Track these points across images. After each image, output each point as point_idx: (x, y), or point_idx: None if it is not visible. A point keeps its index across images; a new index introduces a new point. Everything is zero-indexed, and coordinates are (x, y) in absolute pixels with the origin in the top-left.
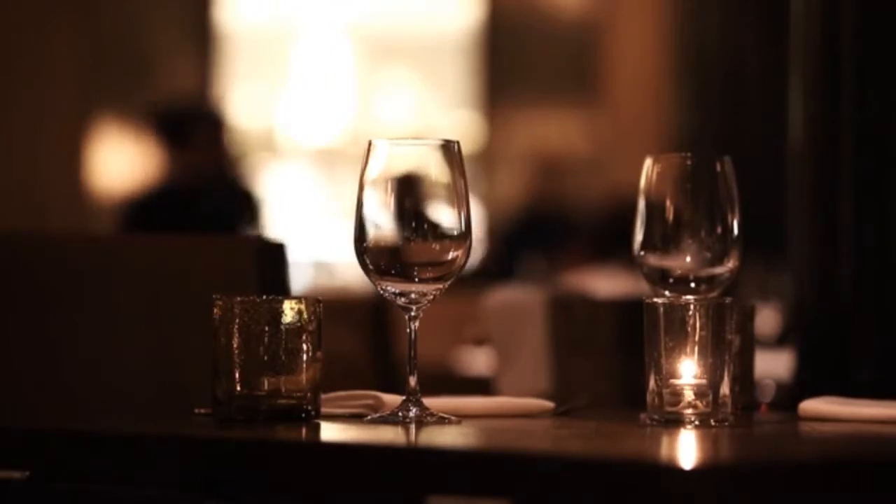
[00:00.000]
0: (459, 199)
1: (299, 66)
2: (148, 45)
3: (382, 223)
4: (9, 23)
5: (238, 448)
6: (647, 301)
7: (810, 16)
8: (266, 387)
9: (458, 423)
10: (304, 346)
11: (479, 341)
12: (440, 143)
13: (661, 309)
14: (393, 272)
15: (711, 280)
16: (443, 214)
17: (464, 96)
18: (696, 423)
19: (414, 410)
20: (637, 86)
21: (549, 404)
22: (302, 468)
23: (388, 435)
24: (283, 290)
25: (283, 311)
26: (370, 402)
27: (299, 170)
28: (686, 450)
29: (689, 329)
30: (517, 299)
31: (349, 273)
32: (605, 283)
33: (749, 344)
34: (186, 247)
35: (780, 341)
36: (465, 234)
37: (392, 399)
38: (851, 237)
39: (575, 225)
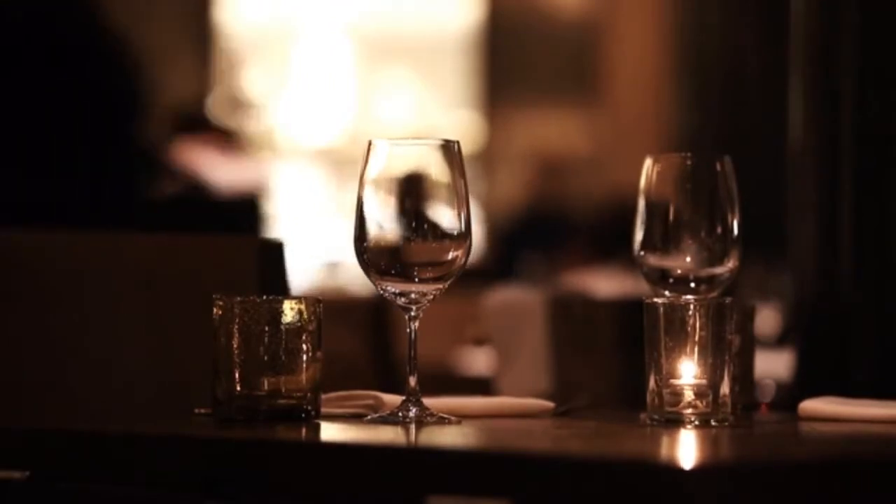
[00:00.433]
0: (459, 199)
1: (299, 66)
2: (148, 45)
3: (382, 223)
4: None
5: (238, 448)
6: (647, 301)
7: (810, 16)
8: (266, 387)
9: (458, 423)
10: (304, 346)
11: (479, 341)
12: (440, 143)
13: (661, 309)
14: (393, 272)
15: (711, 280)
16: (443, 214)
17: (464, 96)
18: (696, 423)
19: (414, 410)
20: (637, 86)
21: (549, 404)
22: (302, 468)
23: (388, 435)
24: (283, 289)
25: (283, 311)
26: (370, 402)
27: (299, 170)
28: (686, 450)
29: (689, 329)
30: (517, 299)
31: (349, 273)
32: (605, 283)
33: (749, 344)
34: (186, 247)
35: (780, 341)
36: (465, 234)
37: (392, 399)
38: (851, 237)
39: (575, 225)
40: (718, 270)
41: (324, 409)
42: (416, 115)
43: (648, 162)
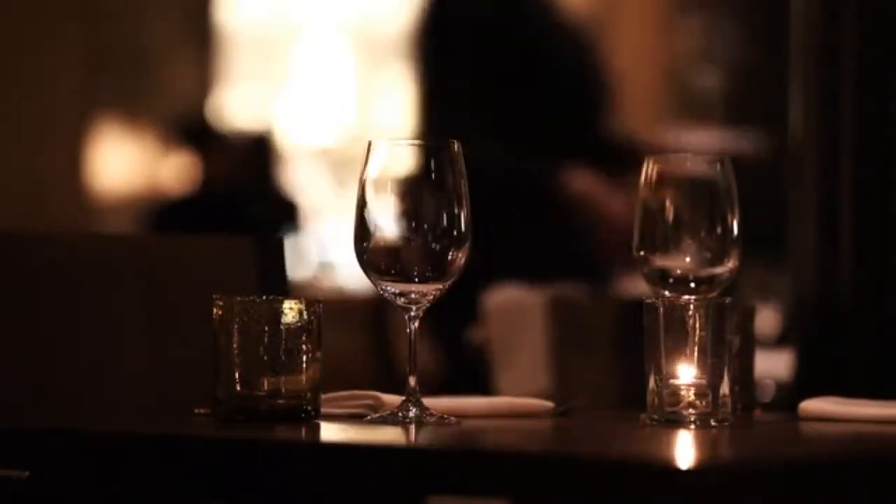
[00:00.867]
0: (459, 200)
1: (299, 66)
2: (148, 45)
3: (382, 223)
4: (9, 23)
5: (238, 448)
6: (647, 301)
7: (810, 15)
8: (266, 387)
9: (458, 423)
10: (304, 346)
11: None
12: (440, 143)
13: (661, 309)
14: (393, 272)
15: (711, 280)
16: (443, 214)
17: None
18: (696, 423)
19: (414, 410)
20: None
21: (549, 404)
22: (302, 468)
23: (388, 435)
24: (282, 289)
25: (283, 311)
26: (370, 402)
27: (299, 170)
28: (686, 450)
29: (689, 329)
30: (517, 299)
31: (349, 273)
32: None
33: (749, 344)
34: (186, 247)
35: (780, 341)
36: (465, 234)
37: (392, 399)
38: (851, 237)
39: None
40: (718, 270)
41: (324, 409)
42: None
43: (648, 162)
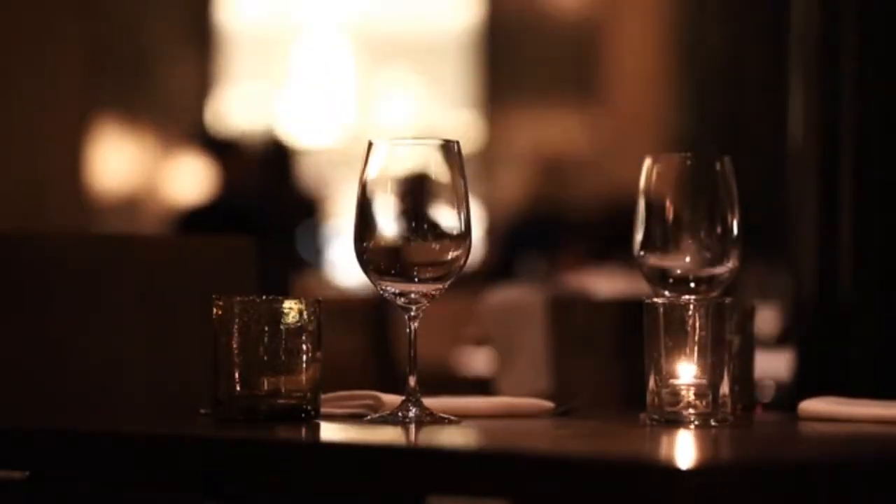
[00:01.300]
0: (459, 199)
1: (299, 66)
2: (148, 45)
3: (382, 223)
4: (9, 23)
5: (238, 448)
6: (647, 301)
7: (810, 15)
8: (266, 387)
9: (458, 423)
10: (304, 346)
11: (479, 341)
12: (440, 143)
13: (661, 309)
14: (393, 272)
15: (711, 280)
16: (443, 214)
17: (464, 96)
18: (696, 423)
19: (414, 410)
20: (637, 86)
21: (549, 404)
22: (302, 468)
23: (388, 435)
24: (282, 289)
25: (283, 311)
26: (370, 402)
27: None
28: (686, 450)
29: (689, 329)
30: (517, 299)
31: (349, 273)
32: (605, 283)
33: (749, 344)
34: (186, 247)
35: (780, 341)
36: (465, 234)
37: (392, 399)
38: (851, 237)
39: (575, 225)
40: (718, 270)
41: (324, 409)
42: (416, 115)
43: (648, 162)
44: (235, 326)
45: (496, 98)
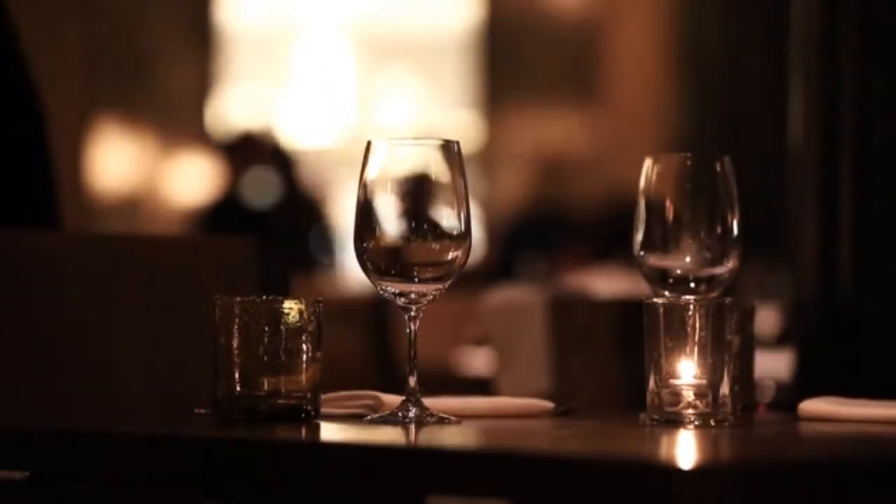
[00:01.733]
0: (459, 199)
1: (299, 66)
2: (148, 45)
3: (382, 223)
4: None
5: (238, 448)
6: (647, 301)
7: (810, 15)
8: (266, 387)
9: (458, 423)
10: (304, 346)
11: (479, 341)
12: (440, 143)
13: (661, 309)
14: (393, 272)
15: (711, 280)
16: (443, 214)
17: (464, 96)
18: (696, 423)
19: (414, 410)
20: (637, 86)
21: (549, 404)
22: (302, 468)
23: (388, 435)
24: (283, 290)
25: (283, 311)
26: (370, 402)
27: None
28: (686, 450)
29: (689, 329)
30: (517, 299)
31: (349, 273)
32: (605, 283)
33: (749, 344)
34: (186, 247)
35: (780, 341)
36: (465, 234)
37: (392, 399)
38: (851, 237)
39: (575, 225)
40: (718, 270)
41: (324, 409)
42: (416, 115)
43: (648, 162)
44: (235, 326)
45: (496, 98)
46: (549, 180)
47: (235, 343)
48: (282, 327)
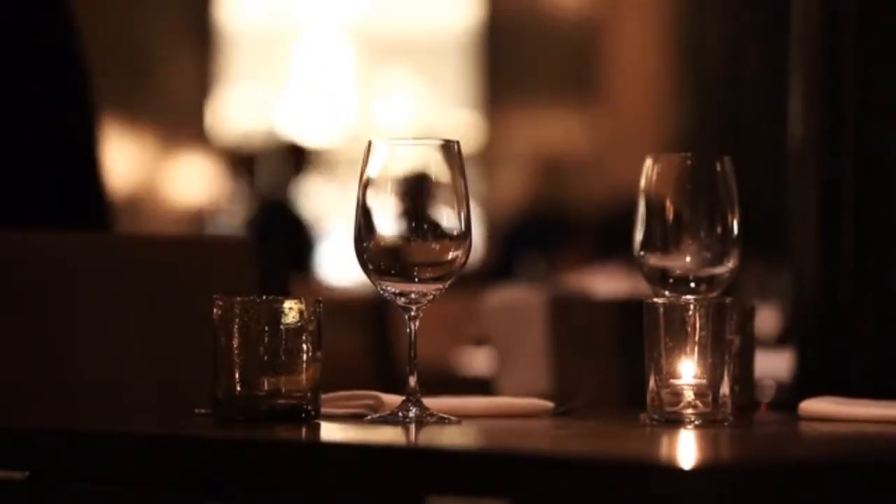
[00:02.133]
0: (459, 199)
1: (299, 66)
2: (148, 46)
3: (382, 223)
4: None
5: (238, 448)
6: (647, 301)
7: (810, 15)
8: (266, 387)
9: (458, 423)
10: (304, 346)
11: (479, 341)
12: (440, 143)
13: (661, 309)
14: (393, 272)
15: (711, 280)
16: (443, 214)
17: (464, 96)
18: (696, 423)
19: (414, 410)
20: (637, 86)
21: (549, 404)
22: (302, 468)
23: (388, 435)
24: (283, 290)
25: (283, 311)
26: (370, 402)
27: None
28: (686, 450)
29: (689, 329)
30: (517, 299)
31: (349, 273)
32: (605, 283)
33: (749, 344)
34: (186, 247)
35: (780, 341)
36: (465, 234)
37: (392, 399)
38: (851, 237)
39: (575, 225)
40: (718, 270)
41: (324, 409)
42: (416, 115)
43: (648, 162)
44: (235, 326)
45: (496, 98)
46: (549, 180)
47: (235, 343)
48: (282, 327)
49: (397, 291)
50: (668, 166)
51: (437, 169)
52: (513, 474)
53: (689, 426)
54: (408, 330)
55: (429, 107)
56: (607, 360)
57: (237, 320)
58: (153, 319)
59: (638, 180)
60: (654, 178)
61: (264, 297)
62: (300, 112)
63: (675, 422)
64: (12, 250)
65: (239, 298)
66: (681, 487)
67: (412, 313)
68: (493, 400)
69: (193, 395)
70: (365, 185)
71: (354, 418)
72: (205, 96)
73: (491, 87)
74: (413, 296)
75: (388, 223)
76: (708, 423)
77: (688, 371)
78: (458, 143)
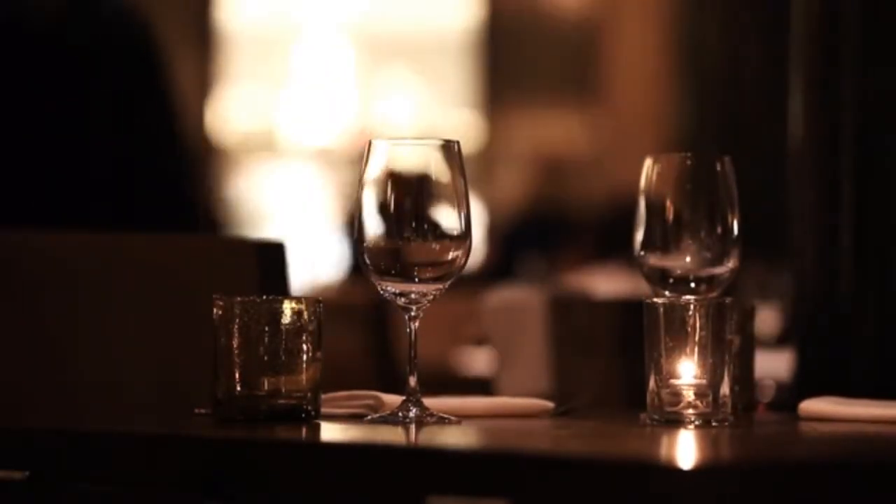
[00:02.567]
0: (459, 199)
1: (299, 66)
2: None
3: (382, 223)
4: None
5: (238, 448)
6: (647, 301)
7: (810, 15)
8: (266, 387)
9: (458, 423)
10: (304, 346)
11: (479, 341)
12: (440, 143)
13: (661, 309)
14: (393, 272)
15: (711, 280)
16: (443, 214)
17: (464, 96)
18: (696, 423)
19: (414, 410)
20: (637, 86)
21: (549, 404)
22: (302, 468)
23: (388, 435)
24: (283, 290)
25: (283, 311)
26: (370, 402)
27: (299, 170)
28: (686, 450)
29: (689, 329)
30: (517, 299)
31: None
32: (605, 283)
33: (749, 344)
34: (186, 247)
35: (780, 341)
36: (465, 234)
37: (392, 399)
38: (851, 237)
39: (575, 225)
40: (718, 270)
41: (324, 409)
42: (416, 115)
43: (648, 162)
44: (235, 326)
45: (496, 98)
46: (549, 180)
47: (235, 343)
48: (282, 327)
49: (397, 291)
50: (668, 166)
51: (437, 169)
52: (513, 474)
53: (689, 426)
54: (408, 330)
55: (429, 107)
56: (607, 360)
57: (237, 320)
58: (153, 319)
59: (638, 180)
60: (654, 178)
61: (264, 297)
62: (300, 112)
63: (675, 422)
64: (12, 250)
65: (239, 298)
66: (681, 487)
67: (412, 313)
68: (493, 400)
69: (193, 395)
70: (365, 184)
71: (354, 418)
72: (205, 96)
73: (491, 87)
74: (413, 296)
75: (389, 223)
76: (708, 424)
77: (688, 371)
78: (458, 142)
